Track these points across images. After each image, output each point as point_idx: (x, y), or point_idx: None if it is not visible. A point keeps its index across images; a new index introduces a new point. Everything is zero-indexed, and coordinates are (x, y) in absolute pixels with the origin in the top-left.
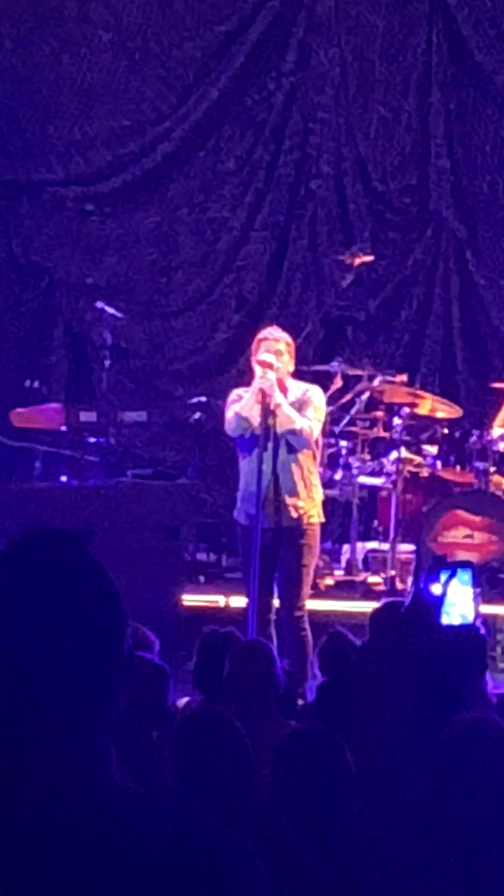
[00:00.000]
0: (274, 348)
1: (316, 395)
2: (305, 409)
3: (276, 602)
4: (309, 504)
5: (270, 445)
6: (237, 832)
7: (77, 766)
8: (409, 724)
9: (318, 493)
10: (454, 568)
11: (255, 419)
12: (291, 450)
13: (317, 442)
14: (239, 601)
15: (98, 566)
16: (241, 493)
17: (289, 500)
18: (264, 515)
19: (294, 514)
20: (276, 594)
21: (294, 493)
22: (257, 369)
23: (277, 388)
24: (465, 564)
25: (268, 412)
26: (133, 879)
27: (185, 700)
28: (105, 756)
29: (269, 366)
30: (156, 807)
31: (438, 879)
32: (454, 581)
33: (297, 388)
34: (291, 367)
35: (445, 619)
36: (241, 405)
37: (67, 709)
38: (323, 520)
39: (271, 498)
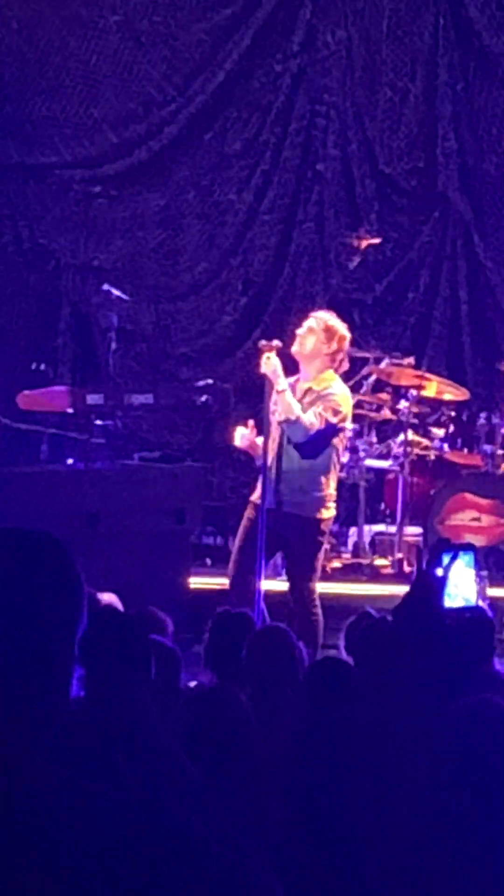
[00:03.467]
0: (306, 325)
1: (334, 395)
2: (318, 405)
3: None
4: (311, 496)
5: (277, 433)
6: (234, 810)
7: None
8: (413, 706)
9: (326, 487)
10: (456, 551)
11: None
12: (290, 441)
13: (331, 440)
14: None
15: (58, 561)
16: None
17: (288, 488)
18: (269, 495)
19: (292, 502)
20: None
21: (294, 483)
22: (263, 353)
23: (281, 374)
24: (467, 547)
25: (270, 397)
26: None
27: (193, 683)
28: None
29: (271, 348)
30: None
31: (441, 863)
32: (456, 563)
33: (329, 381)
34: (327, 350)
35: (448, 602)
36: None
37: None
38: (332, 514)
39: (273, 481)
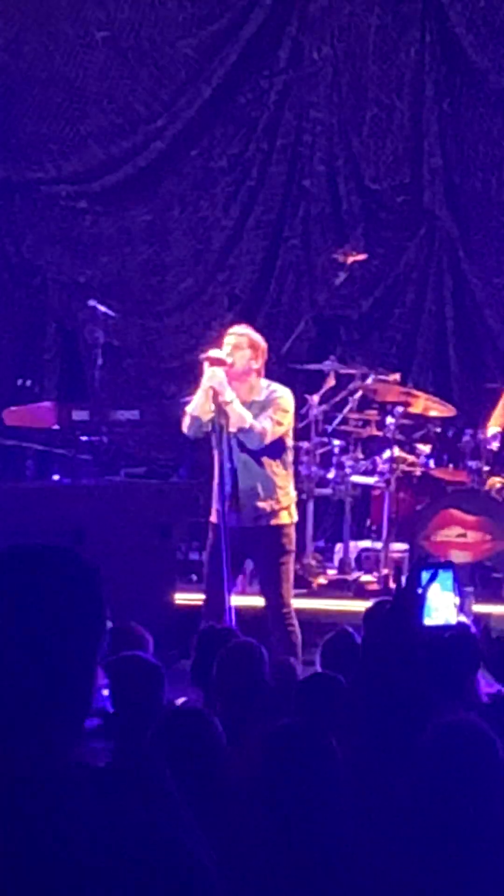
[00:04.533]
0: (229, 343)
1: (282, 396)
2: (268, 410)
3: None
4: (272, 504)
5: (231, 445)
6: (202, 828)
7: (40, 750)
8: (391, 723)
9: (287, 495)
10: (436, 569)
11: (206, 416)
12: (247, 450)
13: (284, 443)
14: (232, 600)
15: (76, 578)
16: (214, 492)
17: (248, 501)
18: (230, 514)
19: (255, 515)
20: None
21: (254, 493)
22: (205, 367)
23: (226, 385)
24: (446, 565)
25: (220, 410)
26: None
27: (182, 699)
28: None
29: (219, 362)
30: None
31: (420, 880)
32: (435, 583)
33: (265, 388)
34: (256, 365)
35: (428, 621)
36: (191, 405)
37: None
38: (295, 519)
39: (235, 497)
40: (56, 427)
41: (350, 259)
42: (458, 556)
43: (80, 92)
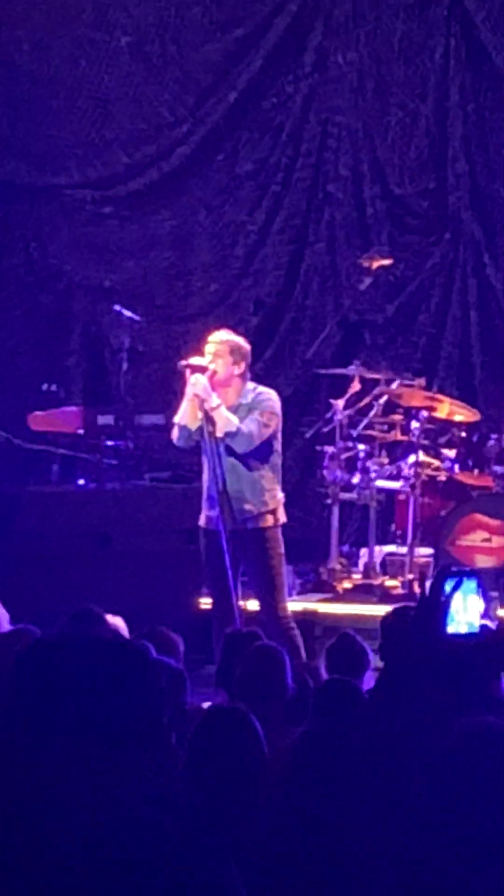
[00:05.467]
0: (209, 352)
1: (268, 398)
2: (255, 413)
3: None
4: (259, 507)
5: (220, 450)
6: (237, 833)
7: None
8: (414, 728)
9: (274, 497)
10: (460, 577)
11: (194, 425)
12: (234, 454)
13: (272, 445)
14: (255, 604)
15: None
16: (203, 497)
17: (236, 505)
18: (220, 519)
19: (241, 518)
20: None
21: (242, 497)
22: (187, 375)
23: (210, 391)
24: (470, 573)
25: (207, 417)
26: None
27: (207, 704)
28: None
29: (200, 369)
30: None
31: (445, 882)
32: (460, 590)
33: (251, 391)
34: (239, 370)
35: (452, 629)
36: (178, 415)
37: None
38: (282, 521)
39: (224, 502)
40: (81, 432)
41: (375, 264)
42: (483, 561)
43: (105, 97)
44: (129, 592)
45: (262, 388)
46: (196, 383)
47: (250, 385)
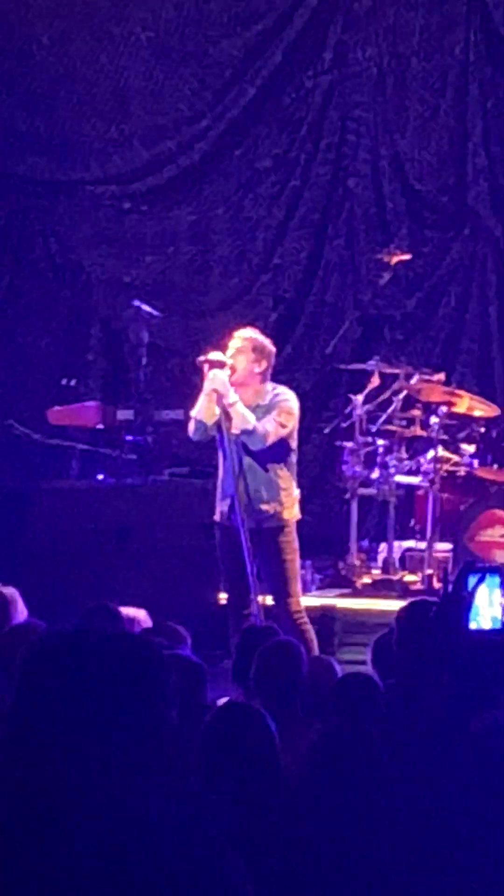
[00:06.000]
0: (233, 346)
1: (287, 399)
2: (272, 413)
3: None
4: (274, 507)
5: (234, 446)
6: (254, 828)
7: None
8: (437, 722)
9: (290, 495)
10: (483, 573)
11: (211, 420)
12: (251, 452)
13: (289, 445)
14: (268, 599)
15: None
16: (217, 491)
17: (253, 504)
18: (237, 515)
19: (258, 518)
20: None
21: (258, 495)
22: (206, 370)
23: (228, 387)
24: (493, 570)
25: (224, 412)
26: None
27: (225, 699)
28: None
29: (218, 364)
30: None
31: (463, 876)
32: (483, 586)
33: (270, 391)
34: (259, 369)
35: (474, 625)
36: (195, 409)
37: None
38: (297, 517)
39: (241, 498)
40: (100, 427)
41: (394, 259)
42: (502, 557)
43: (125, 92)
44: (147, 587)
45: (280, 389)
46: (214, 378)
47: (269, 385)
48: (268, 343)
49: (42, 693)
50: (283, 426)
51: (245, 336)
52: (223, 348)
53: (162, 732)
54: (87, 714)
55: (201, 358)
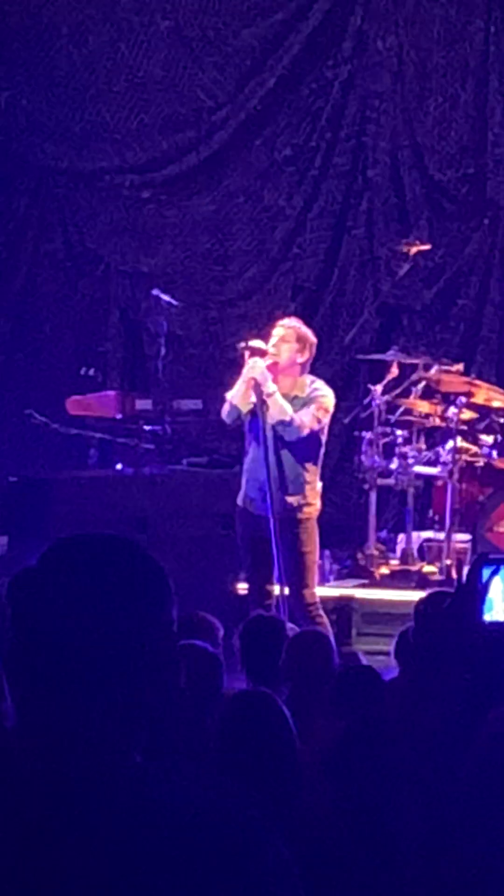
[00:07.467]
0: (277, 335)
1: (325, 395)
2: (310, 406)
3: (276, 590)
4: (298, 500)
5: (268, 434)
6: (273, 816)
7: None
8: (451, 716)
9: (313, 489)
10: (497, 565)
11: (246, 407)
12: (284, 442)
13: (320, 440)
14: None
15: (141, 568)
16: (243, 477)
17: (278, 493)
18: (261, 502)
19: (282, 508)
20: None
21: (285, 489)
22: (246, 357)
23: (268, 376)
24: None
25: (261, 401)
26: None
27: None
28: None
29: (259, 352)
30: (179, 791)
31: (479, 869)
32: (497, 578)
33: (309, 385)
34: (301, 359)
35: (489, 617)
36: (231, 392)
37: (114, 697)
38: (319, 509)
39: (272, 488)
40: (119, 416)
41: (414, 249)
42: None
43: (144, 81)
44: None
45: (319, 383)
46: (254, 367)
47: (308, 378)
48: (310, 334)
49: (32, 625)
50: (318, 420)
51: (290, 325)
52: (243, 338)
53: (170, 647)
54: (84, 631)
55: (242, 344)
